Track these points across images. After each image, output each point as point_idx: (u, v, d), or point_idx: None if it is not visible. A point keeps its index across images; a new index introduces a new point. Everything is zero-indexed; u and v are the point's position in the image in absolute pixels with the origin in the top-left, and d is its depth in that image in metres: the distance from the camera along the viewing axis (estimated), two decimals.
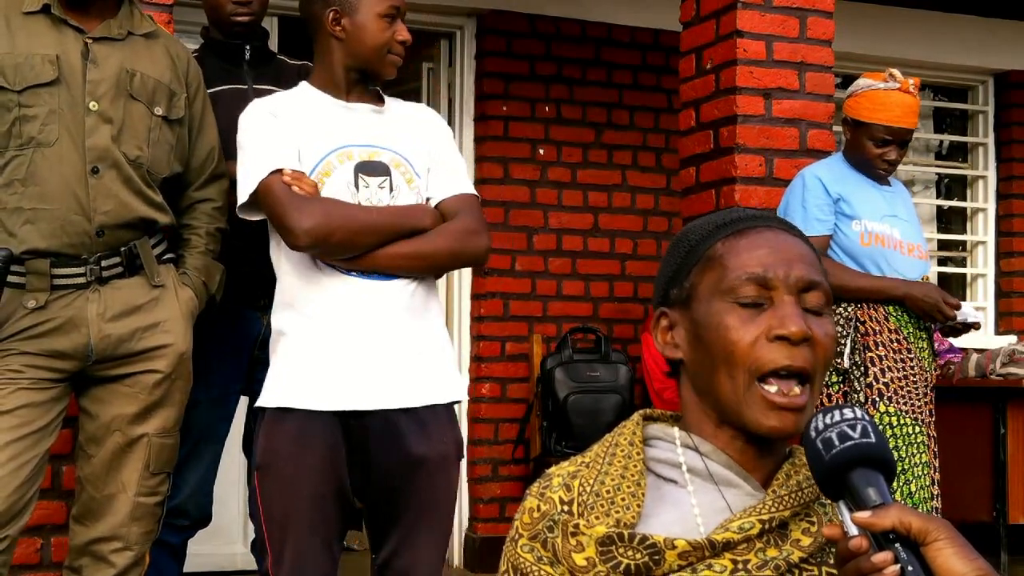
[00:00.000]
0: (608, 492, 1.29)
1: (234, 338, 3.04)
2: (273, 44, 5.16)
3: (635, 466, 1.32)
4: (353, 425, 2.46)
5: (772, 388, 1.27)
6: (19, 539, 2.59)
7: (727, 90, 3.82)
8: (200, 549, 3.73)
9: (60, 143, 2.53)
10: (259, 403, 2.53)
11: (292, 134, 2.50)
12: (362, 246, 2.45)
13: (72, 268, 2.56)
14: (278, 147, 2.48)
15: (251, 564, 3.20)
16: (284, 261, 2.52)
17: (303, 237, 2.39)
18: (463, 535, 5.43)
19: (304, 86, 2.62)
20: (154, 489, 2.65)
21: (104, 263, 2.59)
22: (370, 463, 2.49)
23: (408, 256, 2.48)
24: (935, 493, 3.51)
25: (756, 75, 3.81)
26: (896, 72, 3.63)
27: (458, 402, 2.61)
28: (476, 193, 2.64)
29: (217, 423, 3.09)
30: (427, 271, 2.54)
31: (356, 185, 2.49)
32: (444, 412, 2.56)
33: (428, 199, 2.57)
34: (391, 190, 2.51)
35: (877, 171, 3.63)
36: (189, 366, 2.69)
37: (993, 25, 6.31)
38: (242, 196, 2.49)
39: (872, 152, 3.60)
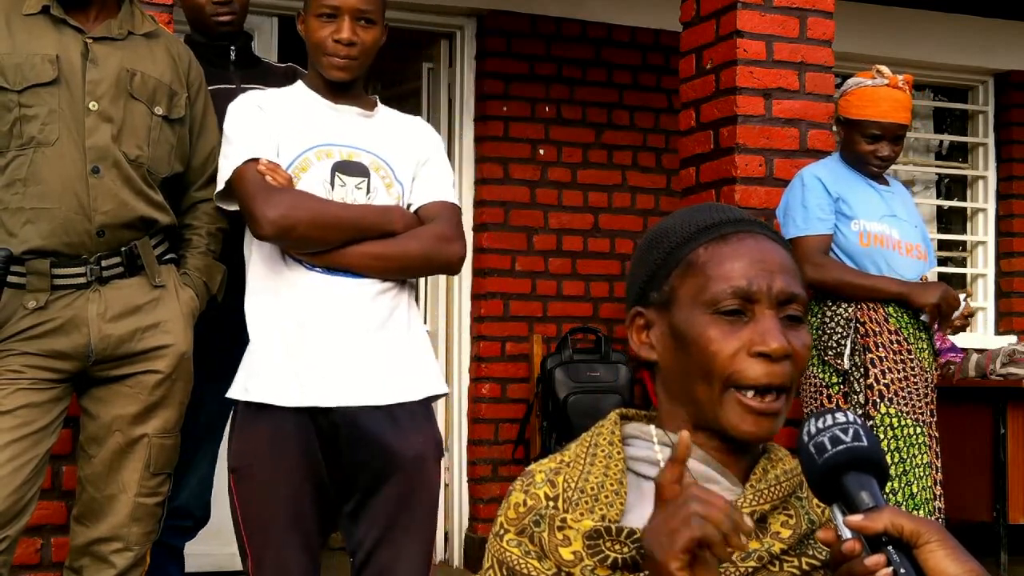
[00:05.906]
0: (592, 489, 1.31)
1: (234, 338, 3.04)
2: (273, 44, 5.17)
3: (616, 465, 1.33)
4: (323, 422, 2.46)
5: (748, 393, 1.28)
6: (19, 539, 2.58)
7: (727, 90, 3.82)
8: (200, 549, 3.72)
9: (60, 143, 2.52)
10: (229, 393, 2.53)
11: (274, 127, 2.52)
12: (327, 241, 2.45)
13: (72, 268, 2.56)
14: (258, 138, 2.50)
15: None
16: (254, 251, 2.54)
17: (268, 227, 2.41)
18: (463, 535, 5.43)
19: (298, 85, 2.66)
20: (154, 490, 2.65)
21: (104, 263, 2.59)
22: (343, 461, 2.48)
23: (376, 256, 2.48)
24: (938, 494, 3.50)
25: (756, 75, 3.81)
26: (884, 68, 3.63)
27: (436, 397, 2.58)
28: (457, 203, 2.63)
29: (217, 423, 3.09)
30: (395, 273, 2.52)
31: (332, 183, 2.50)
32: (420, 410, 2.54)
33: (410, 205, 2.57)
34: (368, 191, 2.51)
35: (871, 169, 3.62)
36: (190, 366, 2.69)
37: (993, 25, 6.31)
38: (219, 184, 2.53)
39: (864, 149, 3.60)
